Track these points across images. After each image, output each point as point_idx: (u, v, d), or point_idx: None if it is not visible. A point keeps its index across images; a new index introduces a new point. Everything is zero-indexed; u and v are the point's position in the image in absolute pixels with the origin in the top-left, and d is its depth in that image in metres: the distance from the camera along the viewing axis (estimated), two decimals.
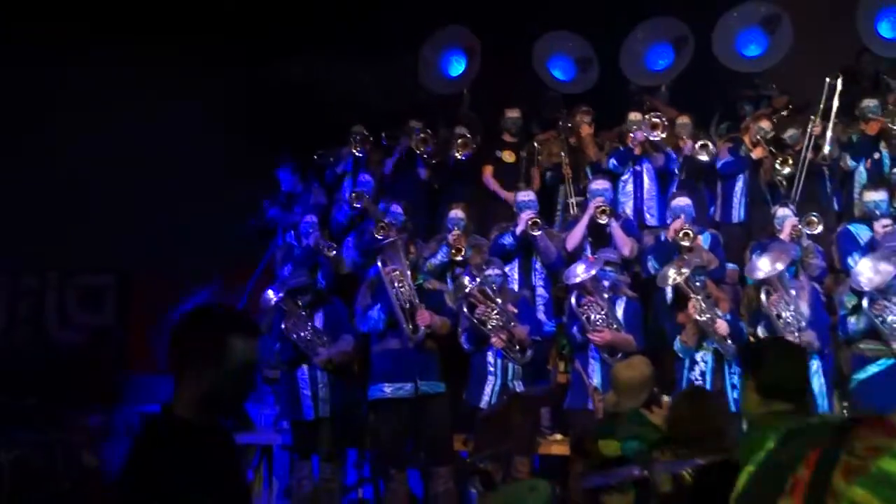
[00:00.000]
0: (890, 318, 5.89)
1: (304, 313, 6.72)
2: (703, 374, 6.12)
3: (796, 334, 5.98)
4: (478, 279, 6.46)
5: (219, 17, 9.00)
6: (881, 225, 6.42)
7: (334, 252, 7.43)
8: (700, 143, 7.45)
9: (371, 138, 8.32)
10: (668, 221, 6.89)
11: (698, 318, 6.08)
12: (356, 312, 6.84)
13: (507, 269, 6.99)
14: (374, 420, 6.70)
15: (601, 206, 7.00)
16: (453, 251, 7.02)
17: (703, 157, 7.38)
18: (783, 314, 6.05)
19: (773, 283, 6.12)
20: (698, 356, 6.16)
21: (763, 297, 6.12)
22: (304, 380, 6.67)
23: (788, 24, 7.98)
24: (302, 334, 6.64)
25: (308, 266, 7.42)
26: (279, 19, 9.12)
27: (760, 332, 6.25)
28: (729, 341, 6.07)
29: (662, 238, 6.87)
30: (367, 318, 6.55)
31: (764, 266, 6.12)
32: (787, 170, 7.26)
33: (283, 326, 6.67)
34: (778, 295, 6.10)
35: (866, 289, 5.89)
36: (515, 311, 6.53)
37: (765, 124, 7.49)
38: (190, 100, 8.42)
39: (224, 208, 8.41)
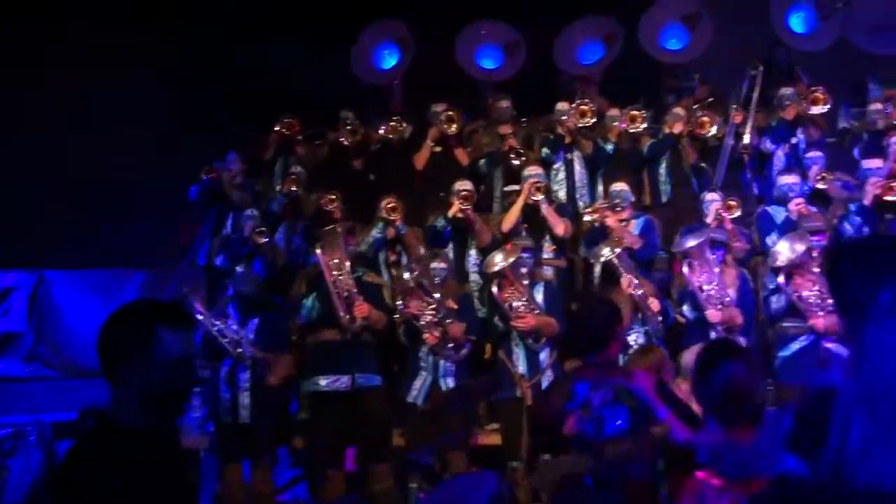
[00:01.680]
0: (805, 294, 5.85)
1: (238, 317, 6.18)
2: None
3: (719, 307, 5.90)
4: (416, 272, 6.03)
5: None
6: (794, 204, 6.48)
7: (266, 239, 6.87)
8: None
9: (300, 124, 7.78)
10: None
11: (633, 292, 5.92)
12: (290, 303, 6.39)
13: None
14: (309, 416, 6.22)
15: (536, 182, 6.73)
16: (387, 211, 6.55)
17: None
18: (705, 287, 5.94)
19: (695, 256, 6.02)
20: (631, 337, 5.99)
21: (686, 269, 6.02)
22: (223, 381, 6.07)
23: (709, 21, 7.89)
24: (226, 331, 6.06)
25: (242, 256, 6.85)
26: (215, 4, 8.47)
27: (686, 310, 6.12)
28: (660, 318, 5.99)
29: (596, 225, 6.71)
30: (302, 307, 6.12)
31: (689, 241, 6.09)
32: (711, 130, 7.18)
33: (206, 323, 6.05)
34: (700, 268, 5.99)
35: (782, 265, 5.86)
36: (455, 306, 6.14)
37: (678, 110, 7.44)
38: (124, 83, 7.78)
39: (151, 200, 7.76)
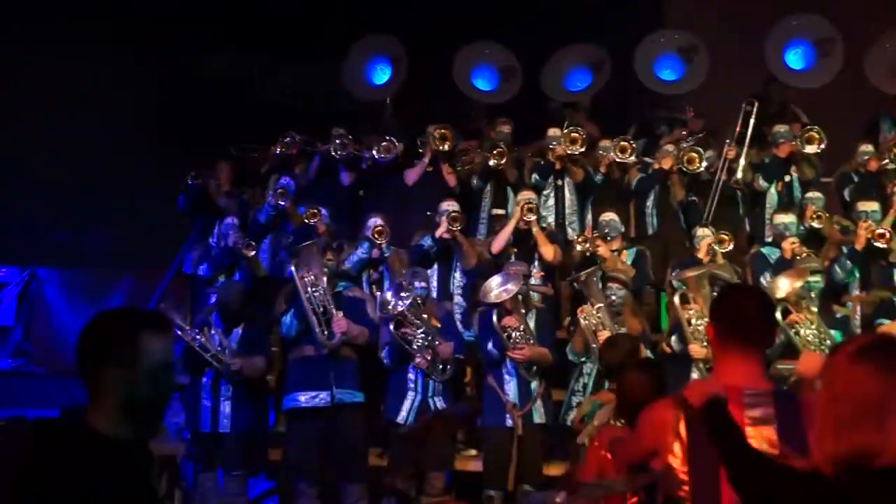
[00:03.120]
0: (804, 332, 5.58)
1: (222, 326, 5.96)
2: (584, 386, 5.73)
3: (705, 344, 5.57)
4: (406, 299, 5.73)
5: (145, 7, 8.10)
6: (789, 243, 6.21)
7: (254, 252, 6.62)
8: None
9: (299, 142, 7.53)
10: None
11: (583, 321, 5.69)
12: (273, 318, 6.13)
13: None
14: (287, 431, 5.96)
15: (528, 203, 6.46)
16: (374, 234, 6.29)
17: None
18: (693, 321, 5.66)
19: (691, 288, 5.75)
20: (585, 368, 5.75)
21: (677, 301, 5.75)
22: (206, 389, 5.87)
23: (705, 55, 7.65)
24: (208, 344, 5.81)
25: (225, 267, 6.66)
26: (209, 14, 8.27)
27: (674, 342, 5.84)
28: None
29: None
30: (282, 323, 5.87)
31: (689, 272, 5.86)
32: (700, 166, 6.95)
33: (184, 334, 5.81)
34: (694, 301, 5.72)
35: (780, 295, 5.60)
36: (439, 325, 5.87)
37: (668, 147, 7.21)
38: (109, 88, 7.57)
39: (139, 201, 7.53)
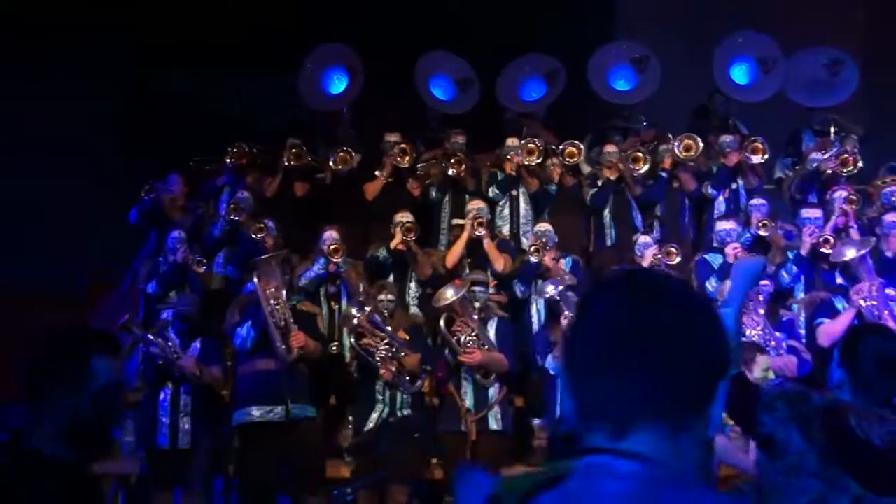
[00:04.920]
0: (749, 333, 5.69)
1: (179, 341, 5.87)
2: None
3: None
4: (366, 309, 5.70)
5: (103, 21, 7.91)
6: (731, 248, 6.40)
7: (204, 268, 6.52)
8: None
9: (249, 152, 7.42)
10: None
11: None
12: (224, 331, 6.02)
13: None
14: (241, 446, 5.87)
15: (477, 216, 6.51)
16: (330, 251, 6.21)
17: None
18: None
19: None
20: None
21: None
22: (164, 405, 5.76)
23: (657, 65, 7.74)
24: (169, 354, 5.75)
25: (175, 283, 6.53)
26: (164, 29, 8.11)
27: None
28: None
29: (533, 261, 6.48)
30: (235, 336, 5.77)
31: None
32: (643, 167, 7.06)
33: (146, 347, 5.77)
34: None
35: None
36: (406, 337, 5.83)
37: (609, 148, 7.25)
38: (64, 103, 7.37)
39: (91, 219, 7.32)
